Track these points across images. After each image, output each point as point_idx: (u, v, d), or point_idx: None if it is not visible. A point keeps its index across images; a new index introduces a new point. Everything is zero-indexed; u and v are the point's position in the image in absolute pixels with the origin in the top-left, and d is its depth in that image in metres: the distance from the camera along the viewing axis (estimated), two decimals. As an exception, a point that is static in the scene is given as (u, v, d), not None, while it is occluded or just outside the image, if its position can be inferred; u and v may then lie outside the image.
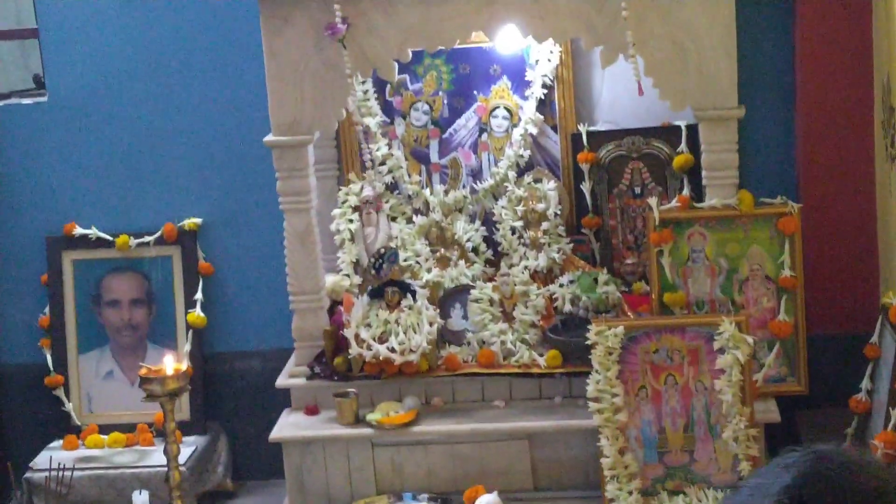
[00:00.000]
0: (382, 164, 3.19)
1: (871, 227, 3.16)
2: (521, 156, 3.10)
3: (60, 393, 3.33)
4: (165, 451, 2.79)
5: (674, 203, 2.89)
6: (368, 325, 2.93)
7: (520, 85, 3.17)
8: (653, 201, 2.91)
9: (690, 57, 2.79)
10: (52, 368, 3.35)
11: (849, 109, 3.20)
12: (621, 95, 3.17)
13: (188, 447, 3.14)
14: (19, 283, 3.50)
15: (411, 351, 2.88)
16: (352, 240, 3.18)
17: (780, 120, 3.21)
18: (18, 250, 3.47)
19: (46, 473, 3.09)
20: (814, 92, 3.25)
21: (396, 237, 3.18)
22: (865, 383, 2.69)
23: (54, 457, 3.16)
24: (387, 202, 3.23)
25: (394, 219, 3.22)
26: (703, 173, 2.87)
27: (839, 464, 0.81)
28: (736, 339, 2.63)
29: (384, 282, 3.02)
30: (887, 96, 2.98)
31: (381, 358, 2.88)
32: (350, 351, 2.94)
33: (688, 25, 2.76)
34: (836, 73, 3.21)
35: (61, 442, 3.27)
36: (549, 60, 3.07)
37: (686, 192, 2.97)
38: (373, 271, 3.08)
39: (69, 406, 3.36)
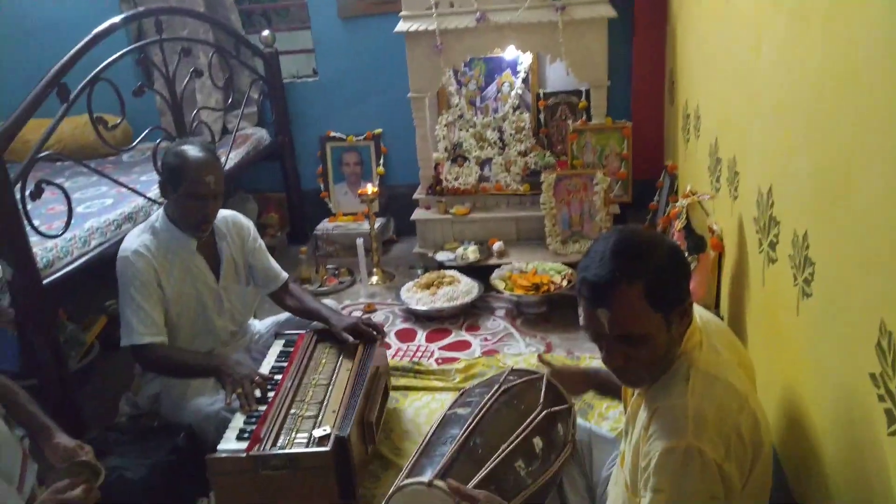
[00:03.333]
0: (456, 106, 3.79)
1: (660, 132, 3.70)
2: (515, 102, 3.74)
3: (327, 200, 4.22)
4: (369, 222, 3.65)
5: (578, 123, 3.56)
6: (450, 173, 3.70)
7: (514, 71, 3.75)
8: (570, 122, 3.63)
9: (587, 58, 3.34)
10: (322, 189, 4.22)
11: (654, 80, 3.65)
12: (558, 74, 3.73)
13: (378, 222, 3.82)
14: (309, 156, 4.25)
15: (467, 184, 3.66)
16: (444, 138, 3.79)
17: (625, 87, 3.74)
18: (308, 142, 4.21)
19: (322, 231, 4.01)
20: (639, 75, 3.71)
21: (462, 137, 3.78)
22: (656, 198, 3.23)
23: (325, 225, 4.07)
24: (458, 122, 3.82)
25: (461, 129, 3.80)
26: (591, 110, 3.51)
27: (642, 231, 1.25)
28: (602, 180, 3.36)
29: (456, 155, 3.73)
30: (670, 74, 3.46)
31: (454, 186, 3.68)
32: (442, 183, 3.70)
33: (586, 44, 3.31)
34: (649, 64, 3.64)
35: (327, 219, 4.14)
36: (527, 60, 3.71)
37: (584, 117, 3.59)
38: (452, 151, 3.77)
39: (330, 205, 4.20)
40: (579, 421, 1.86)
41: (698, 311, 1.33)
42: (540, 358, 1.89)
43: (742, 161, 1.95)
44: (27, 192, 2.17)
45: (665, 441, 1.14)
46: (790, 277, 1.48)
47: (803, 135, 1.40)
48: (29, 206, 2.16)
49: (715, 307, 2.20)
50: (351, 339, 2.27)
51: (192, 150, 2.12)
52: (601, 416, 2.29)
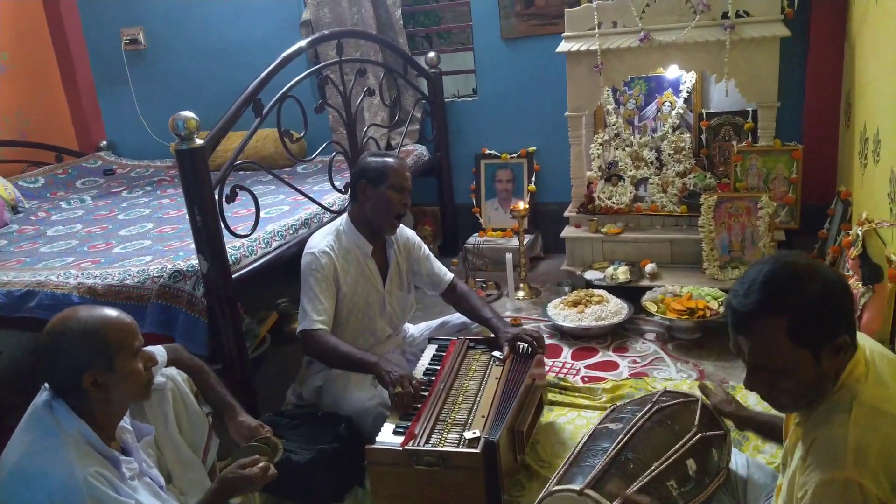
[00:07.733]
0: (612, 125, 3.80)
1: (833, 157, 3.58)
2: (675, 122, 3.70)
3: (478, 214, 4.35)
4: (518, 239, 3.73)
5: (743, 144, 3.46)
6: (604, 192, 3.72)
7: (676, 91, 3.73)
8: (734, 143, 3.52)
9: (756, 77, 3.25)
10: (474, 204, 4.37)
11: (828, 101, 3.55)
12: (722, 94, 3.63)
13: (527, 238, 3.91)
14: (463, 172, 4.42)
15: (621, 203, 3.68)
16: (599, 157, 3.81)
17: (796, 108, 3.66)
18: (464, 159, 4.40)
19: (472, 245, 4.10)
20: (811, 97, 3.63)
21: (618, 156, 3.81)
22: (827, 225, 3.22)
23: (475, 239, 4.20)
24: (614, 141, 3.84)
25: (617, 148, 3.82)
26: (758, 131, 3.41)
27: (800, 261, 1.19)
28: (767, 204, 3.26)
29: (610, 174, 3.78)
30: (846, 95, 3.35)
31: (607, 205, 3.71)
32: (595, 201, 3.71)
33: (756, 63, 3.23)
34: (824, 83, 3.55)
35: (477, 234, 4.28)
36: (691, 80, 3.68)
37: (749, 138, 3.52)
38: (606, 170, 3.83)
39: (481, 220, 4.34)
40: (735, 451, 1.83)
41: (866, 342, 1.30)
42: (701, 387, 1.87)
43: (929, 188, 1.85)
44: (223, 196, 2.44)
45: (823, 472, 1.11)
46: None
47: None
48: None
49: (890, 341, 2.08)
50: (508, 348, 2.33)
51: (390, 156, 2.48)
52: (756, 449, 2.22)
